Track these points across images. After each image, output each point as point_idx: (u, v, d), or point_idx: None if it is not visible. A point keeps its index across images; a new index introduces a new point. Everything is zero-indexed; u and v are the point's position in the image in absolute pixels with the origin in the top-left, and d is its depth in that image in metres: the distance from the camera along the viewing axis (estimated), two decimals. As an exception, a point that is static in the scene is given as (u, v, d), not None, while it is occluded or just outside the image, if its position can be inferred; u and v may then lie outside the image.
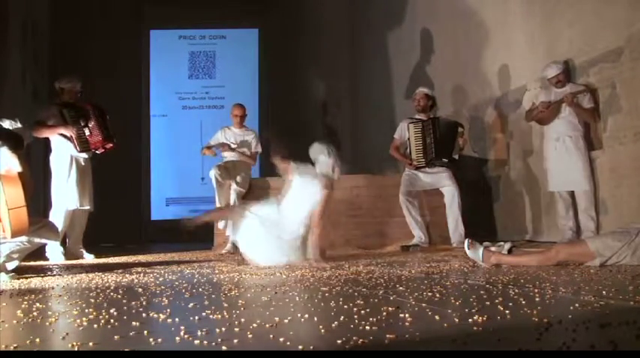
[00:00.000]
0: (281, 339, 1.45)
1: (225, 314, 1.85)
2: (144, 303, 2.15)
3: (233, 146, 5.74)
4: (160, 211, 10.27)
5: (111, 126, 5.10)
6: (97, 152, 5.07)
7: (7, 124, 3.50)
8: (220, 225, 5.62)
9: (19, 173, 3.18)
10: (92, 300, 2.28)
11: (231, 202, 5.53)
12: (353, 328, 1.57)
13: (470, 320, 1.61)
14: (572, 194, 4.64)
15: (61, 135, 4.92)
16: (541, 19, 5.09)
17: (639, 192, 4.10)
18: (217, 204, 5.69)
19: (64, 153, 4.95)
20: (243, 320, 1.76)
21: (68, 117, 4.90)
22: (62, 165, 4.94)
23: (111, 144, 5.07)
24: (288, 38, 10.12)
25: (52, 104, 5.06)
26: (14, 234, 3.11)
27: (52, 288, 2.79)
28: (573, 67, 4.74)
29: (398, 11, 7.77)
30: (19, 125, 3.54)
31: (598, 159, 4.52)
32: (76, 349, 1.43)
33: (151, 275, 3.36)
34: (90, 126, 4.96)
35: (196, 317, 1.81)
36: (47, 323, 1.81)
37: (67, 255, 4.86)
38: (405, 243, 5.20)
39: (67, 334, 1.61)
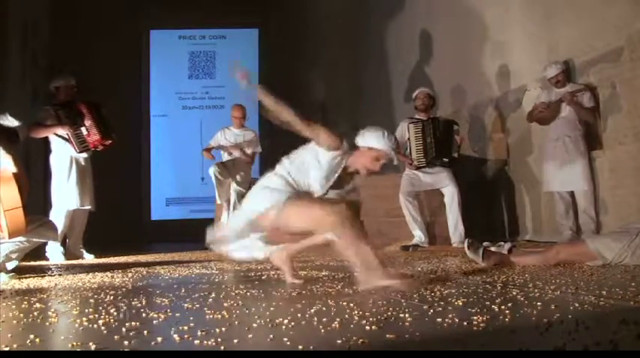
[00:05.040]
0: (281, 339, 1.45)
1: (225, 314, 1.85)
2: (144, 303, 2.15)
3: (234, 145, 5.75)
4: (160, 211, 10.26)
5: (108, 120, 5.07)
6: (97, 149, 5.05)
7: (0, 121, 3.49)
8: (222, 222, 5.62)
9: (14, 173, 3.17)
10: (92, 300, 2.28)
11: (232, 202, 5.54)
12: (353, 328, 1.57)
13: (470, 320, 1.61)
14: (572, 194, 4.64)
15: (59, 136, 4.91)
16: (541, 19, 5.09)
17: (639, 192, 4.09)
18: (218, 203, 5.70)
19: (64, 154, 4.94)
20: (243, 320, 1.76)
21: (64, 118, 4.88)
22: (62, 165, 4.93)
23: (110, 141, 5.05)
24: (288, 38, 10.12)
25: (47, 106, 5.03)
26: (12, 235, 3.10)
27: (52, 288, 2.79)
28: (573, 66, 4.75)
29: (398, 11, 7.77)
30: (9, 122, 3.52)
31: (598, 159, 4.52)
32: (76, 349, 1.43)
33: (151, 275, 3.36)
34: (87, 125, 4.94)
35: (196, 317, 1.81)
36: (47, 323, 1.81)
37: (67, 255, 4.86)
38: (405, 243, 5.19)
39: (67, 334, 1.61)
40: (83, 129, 4.92)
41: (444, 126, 5.31)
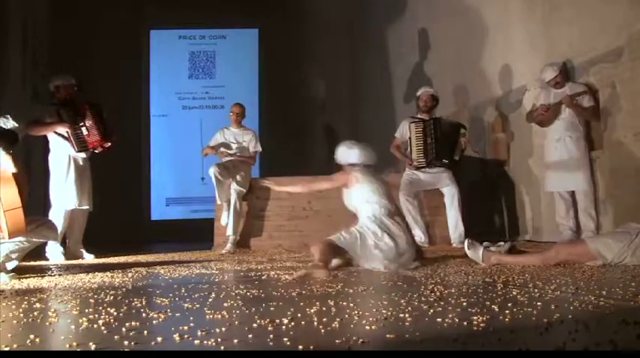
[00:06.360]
0: (281, 339, 1.45)
1: (225, 314, 1.86)
2: (144, 303, 2.15)
3: (232, 151, 5.74)
4: (160, 211, 10.25)
5: (108, 124, 5.07)
6: (95, 151, 5.06)
7: (0, 123, 3.49)
8: (222, 221, 5.61)
9: (13, 174, 3.16)
10: (92, 300, 2.28)
11: (232, 202, 5.53)
12: (353, 328, 1.57)
13: (470, 320, 1.61)
14: (572, 194, 4.64)
15: (59, 134, 4.91)
16: (541, 19, 5.09)
17: (639, 192, 4.09)
18: (218, 203, 5.69)
19: (62, 153, 4.93)
20: (243, 320, 1.76)
21: (65, 117, 4.88)
22: (60, 165, 4.92)
23: (109, 144, 5.05)
24: (288, 38, 10.12)
25: (49, 105, 5.04)
26: (12, 236, 3.10)
27: (52, 288, 2.79)
28: (573, 67, 4.75)
29: (398, 11, 7.77)
30: (10, 123, 3.52)
31: (598, 159, 4.52)
32: (76, 349, 1.43)
33: (151, 275, 3.36)
34: (87, 125, 4.93)
35: (196, 317, 1.81)
36: (47, 323, 1.81)
37: (67, 255, 4.86)
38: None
39: (67, 334, 1.61)
40: (84, 129, 4.92)
41: (447, 127, 5.30)
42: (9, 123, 3.52)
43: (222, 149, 5.76)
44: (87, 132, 4.93)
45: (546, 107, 4.66)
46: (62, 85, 4.98)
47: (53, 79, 5.05)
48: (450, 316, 1.67)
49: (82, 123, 4.92)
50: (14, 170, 3.18)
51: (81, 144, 4.91)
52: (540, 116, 4.72)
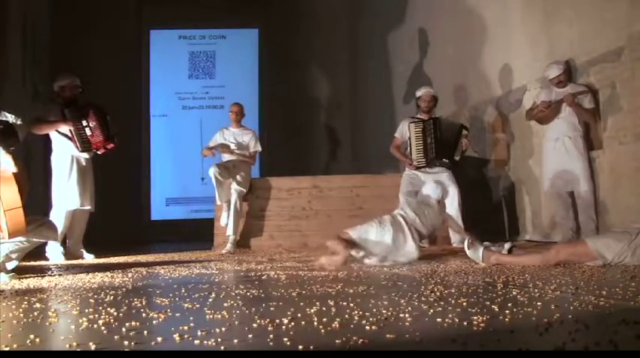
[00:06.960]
0: (281, 339, 1.45)
1: (225, 314, 1.86)
2: (144, 303, 2.15)
3: (232, 148, 5.74)
4: (160, 211, 10.25)
5: (112, 127, 5.10)
6: (98, 152, 5.07)
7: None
8: (222, 222, 5.61)
9: (14, 173, 3.16)
10: (92, 300, 2.28)
11: (232, 202, 5.53)
12: (353, 328, 1.57)
13: (470, 320, 1.61)
14: (572, 194, 4.64)
15: (62, 134, 4.91)
16: (541, 19, 5.09)
17: (639, 192, 4.09)
18: (218, 203, 5.70)
19: (65, 153, 4.94)
20: (243, 320, 1.76)
21: (70, 116, 4.90)
22: (63, 165, 4.93)
23: (112, 145, 5.06)
24: (289, 38, 10.12)
25: (54, 104, 5.05)
26: (12, 235, 3.10)
27: (52, 288, 2.79)
28: (574, 66, 4.74)
29: (398, 11, 7.77)
30: (6, 118, 3.51)
31: (598, 159, 4.52)
32: (76, 349, 1.43)
33: (151, 275, 3.36)
34: (91, 126, 4.94)
35: (196, 317, 1.81)
36: (47, 323, 1.81)
37: (67, 255, 4.86)
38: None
39: (67, 334, 1.61)
40: (87, 129, 4.93)
41: (447, 127, 5.30)
42: (2, 118, 3.51)
43: (222, 144, 5.76)
44: (90, 133, 4.94)
45: (547, 104, 4.65)
46: (68, 85, 5.00)
47: (59, 79, 5.06)
48: (450, 316, 1.67)
49: (86, 124, 4.93)
50: (14, 169, 3.18)
51: (84, 144, 4.92)
52: (540, 113, 4.71)
